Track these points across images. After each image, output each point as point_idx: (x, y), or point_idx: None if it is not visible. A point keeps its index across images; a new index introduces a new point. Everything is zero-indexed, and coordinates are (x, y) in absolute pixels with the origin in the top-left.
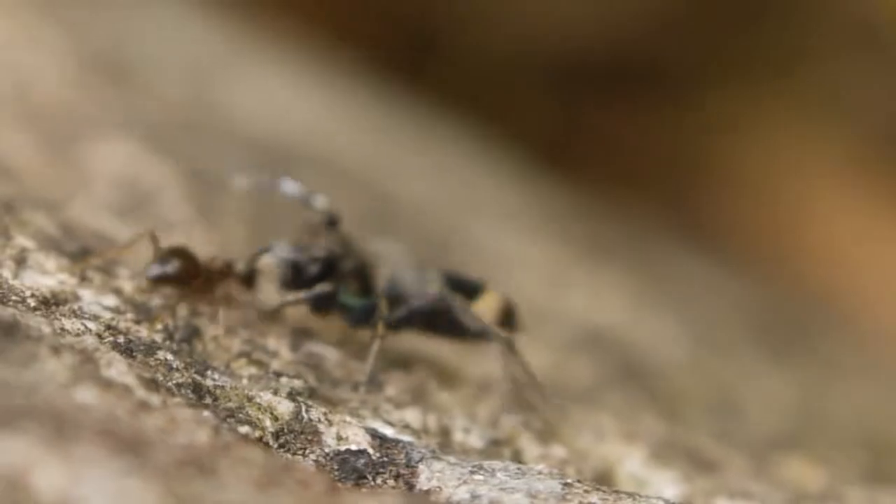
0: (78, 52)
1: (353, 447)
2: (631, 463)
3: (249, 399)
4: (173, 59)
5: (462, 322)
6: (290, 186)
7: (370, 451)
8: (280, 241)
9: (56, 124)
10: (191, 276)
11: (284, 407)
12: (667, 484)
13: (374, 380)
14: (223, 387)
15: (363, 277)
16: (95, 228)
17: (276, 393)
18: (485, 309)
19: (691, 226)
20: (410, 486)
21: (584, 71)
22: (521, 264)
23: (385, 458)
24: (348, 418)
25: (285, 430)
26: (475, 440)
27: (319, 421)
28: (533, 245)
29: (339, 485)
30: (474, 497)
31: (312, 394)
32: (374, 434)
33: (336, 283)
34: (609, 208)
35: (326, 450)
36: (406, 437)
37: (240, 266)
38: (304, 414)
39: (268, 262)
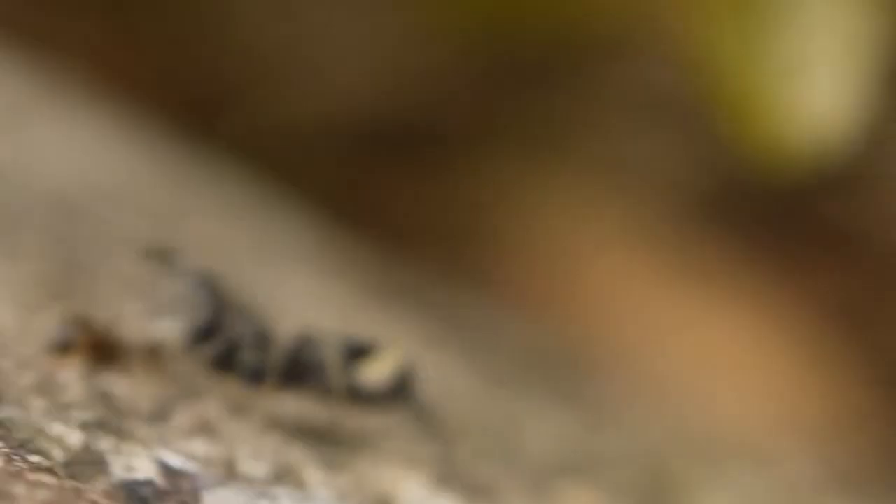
0: None
1: (141, 477)
2: (412, 489)
3: (39, 430)
4: None
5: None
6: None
7: (157, 480)
8: (166, 308)
9: None
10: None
11: (74, 438)
12: None
13: (162, 411)
14: (13, 418)
15: (262, 339)
16: None
17: (66, 424)
18: (381, 372)
19: (473, 286)
20: None
21: (372, 137)
22: (315, 302)
23: (171, 487)
24: (137, 448)
25: (75, 461)
26: (260, 470)
27: (108, 451)
28: (325, 286)
29: None
30: None
31: (103, 425)
32: (162, 464)
33: (232, 340)
34: (394, 261)
35: (114, 479)
36: (192, 467)
37: (136, 340)
38: (93, 444)
39: (164, 332)
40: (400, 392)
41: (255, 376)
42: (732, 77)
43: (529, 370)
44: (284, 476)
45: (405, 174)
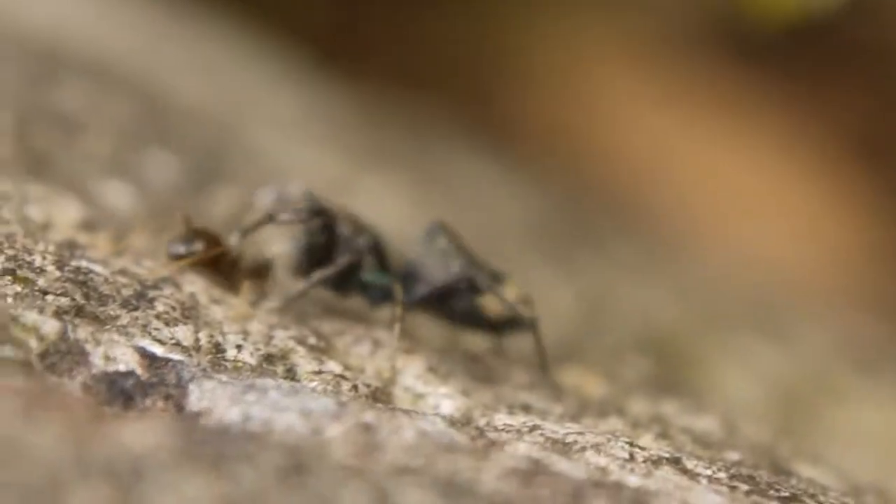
0: None
1: (122, 368)
2: (408, 377)
3: (14, 319)
4: None
5: (483, 304)
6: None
7: (139, 370)
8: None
9: None
10: (211, 259)
11: (50, 327)
12: (444, 398)
13: (143, 296)
14: None
15: (380, 254)
16: None
17: (41, 312)
18: (504, 298)
19: (482, 126)
20: (180, 408)
21: None
22: (302, 171)
23: (154, 379)
24: (116, 337)
25: (51, 351)
26: (248, 356)
27: (87, 341)
28: (314, 151)
29: (106, 409)
30: (246, 418)
31: (80, 312)
32: (143, 353)
33: (356, 259)
34: (393, 109)
35: (94, 371)
36: (176, 356)
37: (250, 258)
38: (70, 333)
39: (278, 250)
40: (518, 323)
41: (377, 299)
42: None
43: (532, 232)
44: (274, 364)
45: (405, 13)
